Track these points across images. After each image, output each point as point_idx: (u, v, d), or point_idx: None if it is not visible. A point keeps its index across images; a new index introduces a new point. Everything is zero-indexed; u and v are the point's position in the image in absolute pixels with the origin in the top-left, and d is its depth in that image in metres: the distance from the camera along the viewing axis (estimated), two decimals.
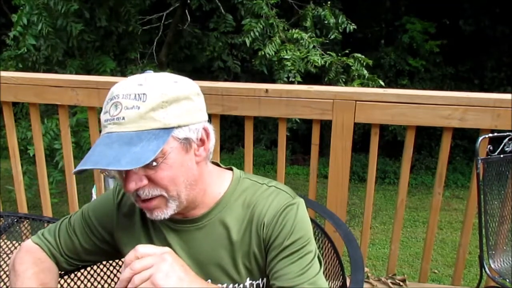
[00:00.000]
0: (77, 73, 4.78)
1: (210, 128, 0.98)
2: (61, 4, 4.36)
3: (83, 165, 0.85)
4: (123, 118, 0.86)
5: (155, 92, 0.88)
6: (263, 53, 4.49)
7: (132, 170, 0.88)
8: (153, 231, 1.06)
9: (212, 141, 0.99)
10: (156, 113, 0.87)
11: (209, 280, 1.04)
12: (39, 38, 4.52)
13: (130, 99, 0.87)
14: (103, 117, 0.90)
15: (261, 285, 1.04)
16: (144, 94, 0.88)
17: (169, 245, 1.04)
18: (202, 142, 0.96)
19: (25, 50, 4.42)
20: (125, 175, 0.90)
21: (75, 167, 2.27)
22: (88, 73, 4.93)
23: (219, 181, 1.05)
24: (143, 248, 0.86)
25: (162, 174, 0.91)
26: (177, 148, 0.91)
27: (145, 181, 0.91)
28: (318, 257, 1.03)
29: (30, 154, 3.74)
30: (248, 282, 1.03)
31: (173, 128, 0.89)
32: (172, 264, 0.85)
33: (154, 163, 0.88)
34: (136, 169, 0.88)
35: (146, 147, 0.85)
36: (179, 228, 1.04)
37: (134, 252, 0.85)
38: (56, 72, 4.83)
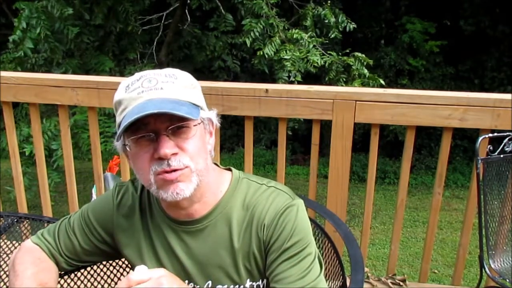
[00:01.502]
0: (74, 72, 4.78)
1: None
2: (57, 8, 4.38)
3: (140, 114, 0.88)
4: (162, 88, 0.92)
5: (182, 75, 0.98)
6: (261, 53, 4.49)
7: (165, 138, 0.91)
8: (154, 232, 1.06)
9: (213, 137, 1.04)
10: (187, 90, 0.95)
11: (210, 282, 1.04)
12: (39, 42, 4.54)
13: (162, 76, 0.94)
14: (133, 93, 0.92)
15: (261, 286, 1.04)
16: (173, 74, 0.96)
17: (170, 246, 1.05)
18: (210, 133, 1.01)
19: (23, 54, 4.44)
20: (159, 141, 0.91)
21: (75, 167, 2.28)
22: (86, 72, 4.93)
23: (219, 182, 1.05)
24: (136, 276, 0.84)
25: (192, 143, 0.94)
26: (201, 126, 0.97)
27: (177, 149, 0.93)
28: (319, 259, 1.03)
29: (26, 153, 3.74)
30: (248, 283, 1.03)
31: (200, 107, 0.97)
32: None
33: (194, 124, 0.94)
34: (170, 136, 0.92)
35: (191, 108, 0.93)
36: (180, 229, 1.04)
37: (128, 282, 0.83)
38: (52, 71, 4.85)
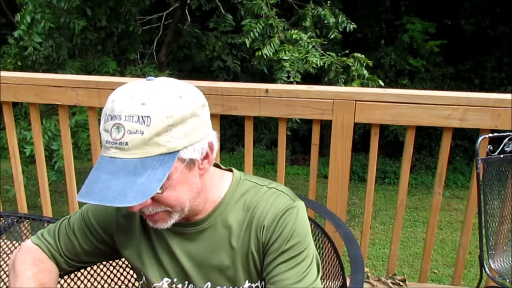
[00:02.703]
0: (77, 74, 4.78)
1: (214, 138, 0.96)
2: (63, 1, 4.37)
3: (89, 198, 0.84)
4: (127, 144, 0.83)
5: (160, 114, 0.84)
6: (260, 53, 4.50)
7: None
8: (154, 235, 1.06)
9: (216, 149, 0.97)
10: (161, 137, 0.84)
11: (209, 283, 1.04)
12: (44, 38, 4.53)
13: (133, 122, 0.83)
14: (104, 135, 0.86)
15: (259, 287, 1.04)
16: (147, 117, 0.83)
17: (169, 247, 1.04)
18: (206, 156, 0.94)
19: (32, 50, 4.43)
20: None
21: (75, 167, 2.28)
22: (89, 74, 4.93)
23: (219, 184, 1.04)
24: None
25: (167, 194, 0.90)
26: (181, 168, 0.89)
27: (149, 200, 0.90)
28: (317, 262, 1.03)
29: (27, 154, 3.74)
30: (247, 284, 1.03)
31: (178, 151, 0.87)
32: None
33: (160, 191, 0.87)
34: None
35: (152, 177, 0.83)
36: (180, 231, 1.04)
37: None
38: (56, 72, 4.85)
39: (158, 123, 0.84)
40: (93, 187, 0.84)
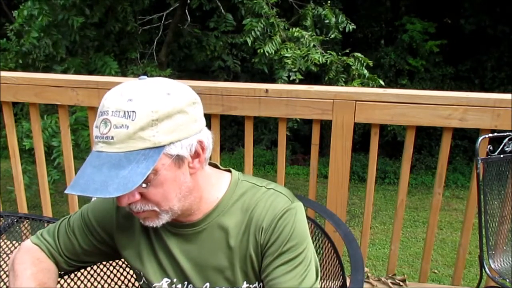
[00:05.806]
0: (77, 71, 4.79)
1: (206, 137, 0.95)
2: None
3: (72, 190, 0.85)
4: (112, 138, 0.85)
5: (145, 109, 0.85)
6: (262, 51, 4.49)
7: None
8: (153, 235, 1.06)
9: (209, 149, 0.96)
10: (146, 132, 0.85)
11: (208, 284, 1.04)
12: (42, 37, 4.55)
13: (119, 117, 0.85)
14: (95, 131, 0.88)
15: None
16: (133, 111, 0.84)
17: (168, 248, 1.04)
18: (197, 154, 0.93)
19: (29, 45, 4.46)
20: None
21: (75, 167, 2.28)
22: (90, 73, 4.93)
23: (217, 185, 1.04)
24: None
25: (153, 191, 0.90)
26: (169, 165, 0.89)
27: (138, 196, 0.90)
28: (316, 265, 1.03)
29: (26, 147, 3.73)
30: (245, 285, 1.03)
31: (164, 146, 0.87)
32: None
33: (144, 185, 0.88)
34: None
35: (135, 170, 0.84)
36: (178, 232, 1.04)
37: None
38: (55, 70, 4.86)
39: (142, 117, 0.85)
40: (78, 179, 0.86)
